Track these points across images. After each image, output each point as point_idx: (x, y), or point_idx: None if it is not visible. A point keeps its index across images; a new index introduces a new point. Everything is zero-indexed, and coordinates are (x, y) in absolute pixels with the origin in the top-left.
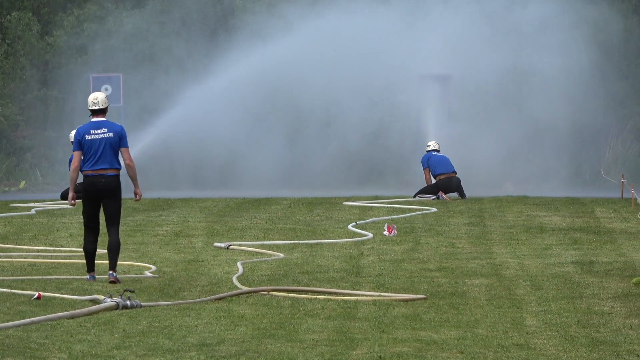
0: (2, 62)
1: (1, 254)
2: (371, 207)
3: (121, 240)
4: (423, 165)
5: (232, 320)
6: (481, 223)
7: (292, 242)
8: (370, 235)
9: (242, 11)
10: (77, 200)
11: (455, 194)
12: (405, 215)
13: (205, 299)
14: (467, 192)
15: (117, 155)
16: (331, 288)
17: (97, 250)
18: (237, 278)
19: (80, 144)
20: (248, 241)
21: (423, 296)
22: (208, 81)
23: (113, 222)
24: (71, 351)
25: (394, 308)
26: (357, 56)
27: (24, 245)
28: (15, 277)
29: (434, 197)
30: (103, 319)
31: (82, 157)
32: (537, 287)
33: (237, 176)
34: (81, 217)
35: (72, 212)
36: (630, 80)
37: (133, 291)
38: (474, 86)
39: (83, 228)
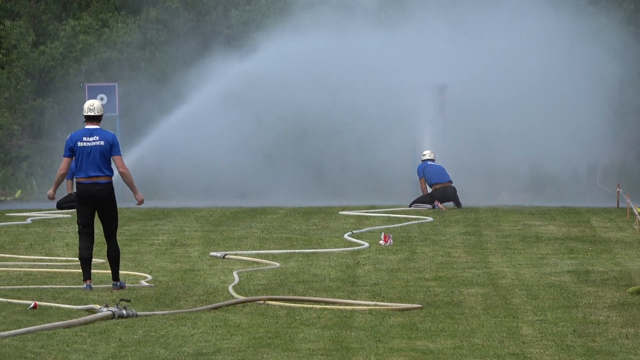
0: (1, 68)
1: None
2: (367, 216)
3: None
4: (419, 174)
5: (228, 329)
6: (477, 232)
7: (288, 251)
8: (366, 244)
9: (239, 22)
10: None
11: (451, 204)
12: (401, 224)
13: (201, 308)
14: (463, 202)
15: (108, 163)
16: (327, 297)
17: (95, 259)
18: (233, 287)
19: (72, 150)
20: (244, 250)
21: (419, 305)
22: (204, 88)
23: (110, 231)
24: None
25: (390, 317)
26: (352, 66)
27: (20, 254)
28: (11, 287)
29: (429, 206)
30: (99, 328)
31: (75, 164)
32: (533, 297)
33: (233, 185)
34: (77, 226)
35: (68, 222)
36: (628, 90)
37: (129, 300)
38: (470, 96)
39: (78, 236)
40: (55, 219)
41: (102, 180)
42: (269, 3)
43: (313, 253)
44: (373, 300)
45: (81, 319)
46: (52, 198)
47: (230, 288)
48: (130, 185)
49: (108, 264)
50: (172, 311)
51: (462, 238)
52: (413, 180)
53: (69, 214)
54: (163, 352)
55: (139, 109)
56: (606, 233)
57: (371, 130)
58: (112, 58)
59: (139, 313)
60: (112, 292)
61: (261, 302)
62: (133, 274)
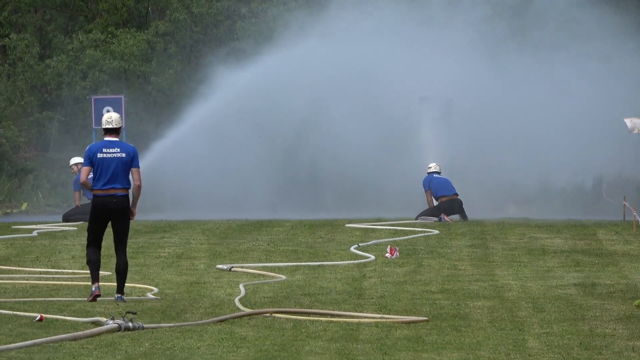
0: (3, 84)
1: (3, 275)
2: (373, 229)
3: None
4: (424, 187)
5: (235, 342)
6: (483, 245)
7: (295, 264)
8: (372, 257)
9: (243, 32)
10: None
11: (457, 216)
12: (407, 237)
13: (207, 320)
14: (469, 214)
15: (127, 175)
16: (333, 310)
17: (101, 272)
18: (240, 300)
19: (91, 160)
20: (250, 263)
21: (425, 318)
22: (211, 99)
23: (121, 242)
24: None
25: (396, 330)
26: (358, 78)
27: (26, 267)
28: (17, 299)
29: (436, 219)
30: (105, 340)
31: (92, 175)
32: (540, 309)
33: (240, 198)
34: (83, 238)
35: (75, 234)
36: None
37: (135, 313)
38: (476, 108)
39: (86, 245)
40: (62, 231)
41: (120, 192)
42: (275, 16)
43: (319, 266)
44: (379, 313)
45: (87, 332)
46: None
47: (236, 301)
48: (135, 198)
49: (113, 278)
50: (178, 324)
51: (468, 251)
52: (419, 193)
53: (76, 226)
54: None
55: (145, 121)
56: (612, 246)
57: (377, 142)
58: (118, 70)
59: (145, 325)
60: (117, 304)
61: (267, 314)
62: (139, 286)
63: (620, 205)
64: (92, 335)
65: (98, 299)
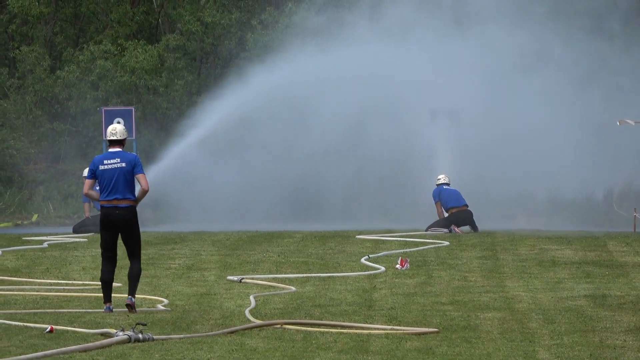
0: (14, 96)
1: (14, 287)
2: (384, 240)
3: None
4: (435, 199)
5: (245, 353)
6: (493, 256)
7: (305, 275)
8: (383, 268)
9: (254, 45)
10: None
11: (467, 228)
12: (417, 248)
13: (217, 332)
14: (479, 226)
15: (131, 185)
16: (343, 321)
17: (115, 282)
18: (250, 311)
19: (94, 173)
20: (260, 274)
21: (435, 330)
22: (218, 109)
23: (133, 253)
24: None
25: (406, 341)
26: (369, 90)
27: (36, 278)
28: (27, 310)
29: (446, 230)
30: (115, 352)
31: (98, 187)
32: (550, 321)
33: (249, 209)
34: (93, 250)
35: (85, 246)
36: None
37: (145, 324)
38: (486, 120)
39: (100, 259)
40: (72, 242)
41: (123, 204)
42: (286, 26)
43: (329, 277)
44: (389, 324)
45: (97, 343)
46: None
47: (246, 312)
48: (139, 199)
49: (126, 288)
50: (188, 335)
51: (479, 262)
52: (429, 204)
53: (85, 237)
54: None
55: (155, 133)
56: (623, 257)
57: (387, 154)
58: (129, 84)
59: (155, 337)
60: (127, 315)
61: (278, 326)
62: (150, 298)
63: (630, 217)
64: (103, 347)
65: (113, 309)
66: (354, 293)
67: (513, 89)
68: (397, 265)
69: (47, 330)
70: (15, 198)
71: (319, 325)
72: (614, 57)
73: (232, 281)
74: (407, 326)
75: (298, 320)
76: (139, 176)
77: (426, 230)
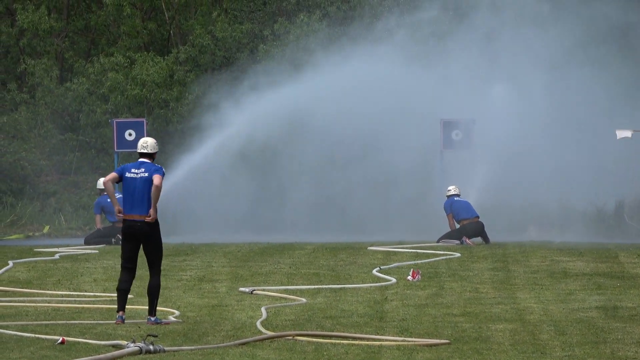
0: (24, 109)
1: (25, 298)
2: (395, 252)
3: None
4: (446, 210)
5: None
6: (505, 268)
7: (316, 286)
8: (394, 280)
9: (266, 57)
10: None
11: (479, 239)
12: (429, 260)
13: (229, 343)
14: (491, 237)
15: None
16: (355, 333)
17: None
18: (261, 323)
19: (121, 175)
20: (272, 286)
21: (447, 341)
22: (232, 121)
23: (152, 264)
24: None
25: (417, 353)
26: (380, 100)
27: (48, 290)
28: (39, 322)
29: (457, 242)
30: None
31: (122, 197)
32: (561, 332)
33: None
34: (105, 261)
35: (96, 257)
36: None
37: (156, 336)
38: (498, 131)
39: (116, 270)
40: (83, 254)
41: (144, 218)
42: (297, 37)
43: (341, 288)
44: (401, 336)
45: (109, 355)
46: (120, 212)
47: (258, 323)
48: (154, 200)
49: (138, 300)
50: (199, 347)
51: (490, 274)
52: (440, 216)
53: (97, 249)
54: None
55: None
56: (634, 269)
57: (399, 164)
58: (140, 97)
59: (166, 348)
60: (139, 327)
61: (289, 337)
62: (161, 309)
63: None
64: (114, 359)
65: (125, 320)
66: (365, 304)
67: (524, 99)
68: (409, 277)
69: (59, 341)
70: (26, 210)
71: (330, 337)
72: (626, 68)
73: (244, 293)
74: (418, 338)
75: (309, 332)
76: (154, 176)
77: (437, 241)
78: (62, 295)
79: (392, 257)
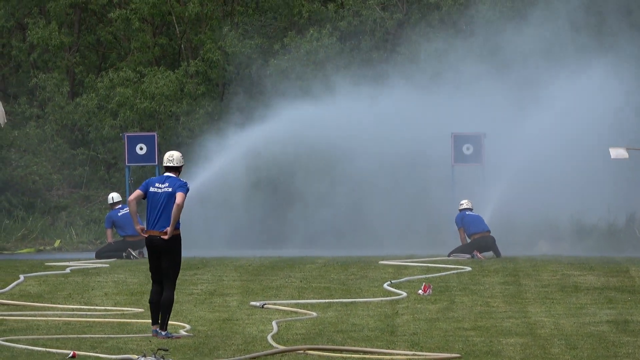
0: (34, 124)
1: (36, 312)
2: (406, 266)
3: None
4: (457, 224)
5: None
6: (516, 282)
7: (327, 300)
8: (405, 294)
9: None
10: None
11: (490, 253)
12: (440, 274)
13: (240, 357)
14: (502, 251)
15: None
16: (366, 347)
17: (133, 309)
18: (272, 337)
19: (145, 190)
20: (283, 300)
21: (458, 355)
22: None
23: (167, 278)
24: None
25: None
26: (391, 115)
27: (58, 304)
28: (50, 336)
29: (468, 256)
30: None
31: (147, 212)
32: (572, 347)
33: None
34: (116, 275)
35: (107, 271)
36: None
37: (167, 350)
38: (509, 145)
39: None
40: (94, 268)
41: (164, 234)
42: (308, 52)
43: (352, 302)
44: (412, 350)
45: None
46: (142, 230)
47: (269, 337)
48: (174, 218)
49: (148, 314)
50: None
51: (501, 288)
52: (451, 230)
53: (108, 263)
54: None
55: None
56: None
57: (409, 178)
58: (150, 110)
59: None
60: (149, 341)
61: (300, 351)
62: (172, 323)
63: None
64: None
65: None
66: (376, 318)
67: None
68: (420, 291)
69: (70, 355)
70: (38, 224)
71: (341, 351)
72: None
73: (255, 307)
74: (429, 352)
75: (320, 346)
76: (177, 193)
77: (448, 255)
78: (73, 309)
79: (403, 271)
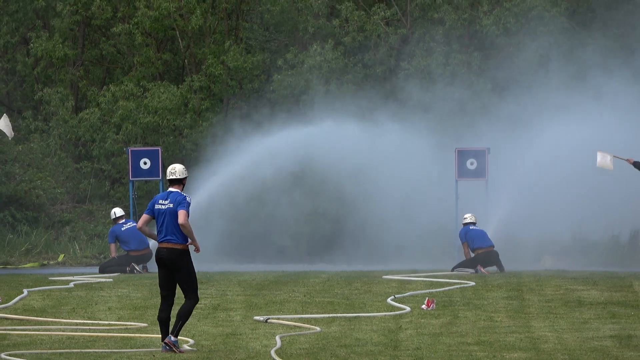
0: (38, 139)
1: (40, 327)
2: (410, 280)
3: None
4: (461, 239)
5: None
6: (519, 297)
7: (331, 315)
8: (408, 308)
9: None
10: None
11: (493, 268)
12: (443, 289)
13: None
14: (505, 266)
15: (179, 226)
16: None
17: (136, 323)
18: (276, 351)
19: (152, 210)
20: (286, 314)
21: None
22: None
23: (185, 292)
24: None
25: None
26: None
27: (62, 318)
28: (53, 351)
29: (472, 270)
30: None
31: (156, 226)
32: None
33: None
34: (119, 290)
35: (111, 286)
36: None
37: None
38: (513, 160)
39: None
40: (98, 283)
41: (171, 245)
42: (311, 68)
43: (355, 317)
44: None
45: None
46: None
47: (272, 352)
48: (190, 236)
49: (151, 329)
50: None
51: (505, 302)
52: (455, 244)
53: (112, 278)
54: None
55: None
56: None
57: (412, 193)
58: (153, 125)
59: None
60: (153, 355)
61: None
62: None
63: None
64: None
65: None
66: (379, 333)
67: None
68: (423, 306)
69: None
70: (41, 238)
71: None
72: None
73: (258, 321)
74: None
75: None
76: (179, 212)
77: (452, 270)
78: (77, 324)
79: (407, 285)
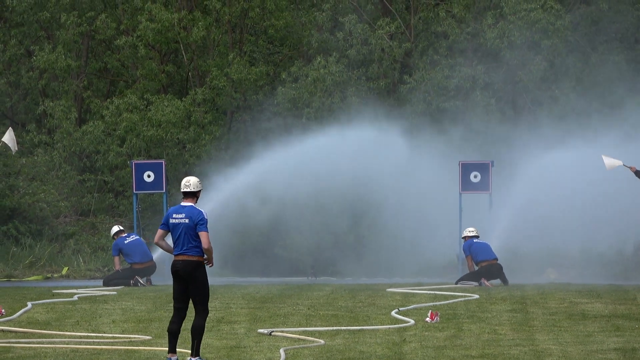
0: (42, 151)
1: (44, 340)
2: (414, 293)
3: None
4: (465, 252)
5: None
6: (523, 310)
7: (335, 328)
8: (412, 321)
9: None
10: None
11: (497, 281)
12: (447, 301)
13: None
14: (509, 279)
15: (195, 240)
16: None
17: (141, 336)
18: None
19: (167, 225)
20: (290, 327)
21: None
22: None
23: (196, 304)
24: None
25: None
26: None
27: (66, 331)
28: None
29: (476, 283)
30: None
31: (172, 239)
32: None
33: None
34: (123, 302)
35: (115, 299)
36: None
37: None
38: (517, 173)
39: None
40: (102, 295)
41: (187, 258)
42: (315, 81)
43: (359, 330)
44: None
45: None
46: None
47: None
48: (208, 255)
49: (157, 342)
50: None
51: (509, 315)
52: (459, 257)
53: (116, 291)
54: None
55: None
56: None
57: (416, 207)
58: (156, 138)
59: None
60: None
61: None
62: (180, 350)
63: None
64: None
65: None
66: (383, 346)
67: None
68: (427, 319)
69: None
70: (45, 251)
71: None
72: None
73: (262, 334)
74: None
75: None
76: (201, 234)
77: (456, 283)
78: (81, 337)
79: (411, 298)
